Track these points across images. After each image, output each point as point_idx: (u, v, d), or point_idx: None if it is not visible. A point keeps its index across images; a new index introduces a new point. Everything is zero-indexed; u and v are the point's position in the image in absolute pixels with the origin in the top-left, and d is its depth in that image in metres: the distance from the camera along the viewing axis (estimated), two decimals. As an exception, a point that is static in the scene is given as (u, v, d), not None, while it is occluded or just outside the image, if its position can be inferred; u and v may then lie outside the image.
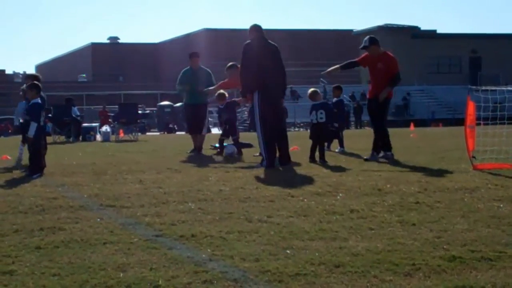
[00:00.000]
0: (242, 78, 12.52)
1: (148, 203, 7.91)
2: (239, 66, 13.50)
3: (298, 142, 17.84)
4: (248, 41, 12.52)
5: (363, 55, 13.82)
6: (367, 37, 13.72)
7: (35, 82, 12.37)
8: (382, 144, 13.35)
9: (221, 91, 16.15)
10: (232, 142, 15.83)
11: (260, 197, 8.21)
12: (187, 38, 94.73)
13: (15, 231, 6.34)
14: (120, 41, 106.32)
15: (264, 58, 12.36)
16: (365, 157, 13.40)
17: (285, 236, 5.89)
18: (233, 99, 16.36)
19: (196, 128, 16.97)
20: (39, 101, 12.01)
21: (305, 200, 7.97)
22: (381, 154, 13.35)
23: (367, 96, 14.01)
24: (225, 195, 8.42)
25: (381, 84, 13.24)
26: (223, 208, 7.48)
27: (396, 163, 12.61)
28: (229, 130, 15.88)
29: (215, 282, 4.49)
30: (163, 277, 4.58)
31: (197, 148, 16.78)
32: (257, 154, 14.40)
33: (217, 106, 17.42)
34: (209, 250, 5.40)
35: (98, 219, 6.89)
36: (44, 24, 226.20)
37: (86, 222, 6.76)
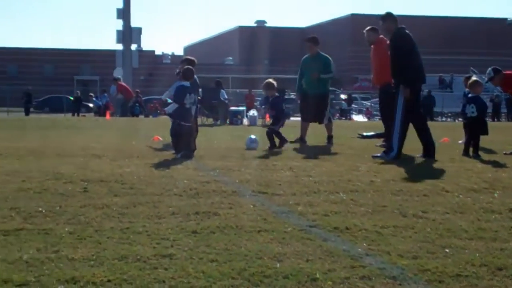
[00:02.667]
0: (404, 69, 11.98)
1: (299, 192, 7.90)
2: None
3: (448, 134, 17.41)
4: (396, 31, 12.28)
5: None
6: (490, 69, 13.60)
7: (189, 66, 12.66)
8: None
9: (270, 80, 14.68)
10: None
11: (413, 191, 8.03)
12: (334, 23, 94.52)
13: (171, 214, 6.47)
14: (267, 24, 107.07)
15: (415, 48, 12.24)
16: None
17: (442, 234, 5.73)
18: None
19: (310, 118, 16.32)
20: (186, 84, 12.29)
21: (461, 196, 7.73)
22: None
23: None
24: (377, 187, 8.29)
25: None
26: (375, 200, 7.37)
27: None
28: (273, 121, 14.67)
29: (373, 278, 4.41)
30: (320, 270, 4.54)
31: (328, 137, 16.19)
32: (379, 144, 14.21)
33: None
34: (364, 244, 5.32)
35: (251, 206, 6.93)
36: (193, 7, 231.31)
37: (240, 208, 6.81)
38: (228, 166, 10.44)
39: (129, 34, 60.45)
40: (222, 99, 30.54)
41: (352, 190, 8.02)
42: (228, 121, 30.07)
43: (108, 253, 4.91)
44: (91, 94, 57.68)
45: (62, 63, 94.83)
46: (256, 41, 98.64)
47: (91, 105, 56.61)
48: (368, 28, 14.95)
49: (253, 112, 30.59)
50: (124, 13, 60.51)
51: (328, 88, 16.49)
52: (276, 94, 14.81)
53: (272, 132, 13.98)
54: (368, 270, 4.56)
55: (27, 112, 51.39)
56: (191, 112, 12.42)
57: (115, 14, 61.55)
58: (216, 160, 11.34)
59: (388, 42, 12.84)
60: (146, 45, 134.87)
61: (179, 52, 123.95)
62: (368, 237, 5.56)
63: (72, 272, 4.42)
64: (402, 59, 12.00)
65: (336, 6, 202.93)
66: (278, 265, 4.68)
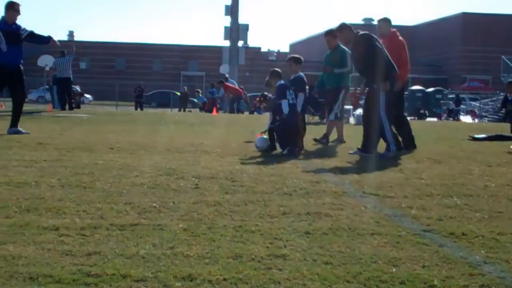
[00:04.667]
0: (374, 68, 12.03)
1: (411, 195, 7.75)
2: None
3: None
4: (355, 38, 12.41)
5: None
6: None
7: (274, 69, 13.07)
8: None
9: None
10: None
11: (530, 197, 7.78)
12: (443, 22, 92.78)
13: (282, 213, 6.46)
14: (374, 22, 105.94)
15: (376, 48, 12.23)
16: None
17: None
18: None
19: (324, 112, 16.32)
20: (281, 82, 12.64)
21: None
22: None
23: None
24: (492, 192, 8.05)
25: None
26: (491, 206, 7.16)
27: None
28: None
29: (493, 287, 4.29)
30: (437, 277, 4.45)
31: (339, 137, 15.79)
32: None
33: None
34: (482, 251, 5.17)
35: (363, 208, 6.85)
36: (300, 4, 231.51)
37: (351, 210, 6.74)
38: (337, 166, 10.38)
39: (236, 30, 60.80)
40: (328, 97, 30.35)
41: (466, 195, 7.82)
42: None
43: (222, 251, 4.93)
44: (198, 90, 58.48)
45: (169, 58, 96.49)
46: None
47: (196, 100, 57.45)
48: (381, 18, 14.41)
49: (360, 111, 30.28)
50: (232, 10, 60.93)
51: (344, 83, 15.49)
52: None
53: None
54: (488, 279, 4.44)
55: (137, 107, 52.11)
56: (295, 107, 12.50)
57: (223, 10, 62.09)
58: (324, 159, 11.29)
59: (400, 37, 13.79)
60: (252, 42, 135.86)
61: (285, 49, 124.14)
62: (486, 244, 5.40)
63: (188, 269, 4.47)
64: (371, 61, 12.08)
65: (447, 4, 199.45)
66: (393, 270, 4.60)
